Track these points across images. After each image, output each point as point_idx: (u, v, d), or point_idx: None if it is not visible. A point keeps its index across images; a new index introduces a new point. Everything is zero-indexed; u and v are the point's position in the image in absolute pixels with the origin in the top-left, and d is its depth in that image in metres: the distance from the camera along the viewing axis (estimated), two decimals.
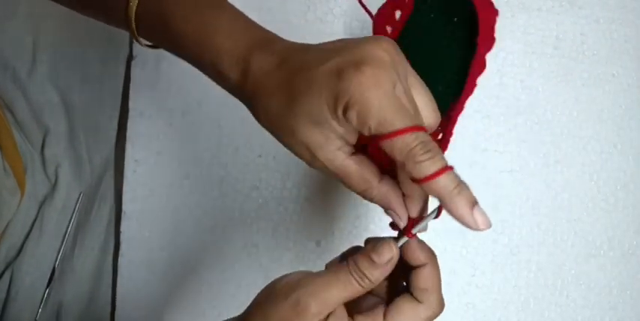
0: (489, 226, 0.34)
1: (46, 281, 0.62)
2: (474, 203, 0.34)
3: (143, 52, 0.66)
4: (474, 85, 0.57)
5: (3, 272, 0.61)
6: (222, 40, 0.38)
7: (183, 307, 0.64)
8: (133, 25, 0.42)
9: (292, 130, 0.35)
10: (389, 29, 0.52)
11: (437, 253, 0.56)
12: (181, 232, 0.64)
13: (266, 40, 0.38)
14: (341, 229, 0.63)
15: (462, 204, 0.33)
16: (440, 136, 0.50)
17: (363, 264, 0.36)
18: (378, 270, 0.35)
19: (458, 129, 0.61)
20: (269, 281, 0.62)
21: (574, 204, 0.62)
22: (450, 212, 0.33)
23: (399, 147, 0.33)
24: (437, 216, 0.36)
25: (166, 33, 0.40)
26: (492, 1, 0.57)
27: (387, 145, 0.33)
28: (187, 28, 0.39)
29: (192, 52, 0.39)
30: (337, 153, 0.36)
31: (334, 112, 0.34)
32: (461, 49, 0.57)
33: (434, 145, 0.33)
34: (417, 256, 0.36)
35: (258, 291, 0.65)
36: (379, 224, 0.62)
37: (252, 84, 0.37)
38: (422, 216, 0.38)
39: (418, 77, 0.37)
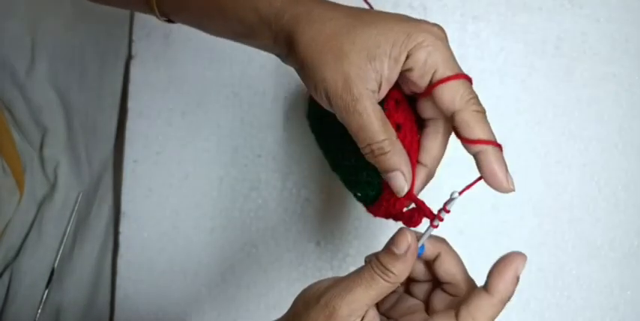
0: (514, 189, 0.36)
1: (46, 282, 0.62)
2: (506, 166, 0.36)
3: (142, 51, 0.66)
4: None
5: (2, 273, 0.61)
6: None
7: (183, 308, 0.64)
8: None
9: (340, 56, 0.35)
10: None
11: None
12: (180, 233, 0.64)
13: None
14: (341, 230, 0.63)
15: (500, 163, 0.36)
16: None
17: (384, 258, 0.35)
18: (400, 261, 0.35)
19: None
20: (269, 282, 0.62)
21: (575, 204, 0.61)
22: (489, 167, 0.35)
23: (461, 91, 0.35)
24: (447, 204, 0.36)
25: None
26: None
27: (449, 87, 0.35)
28: None
29: None
30: (370, 95, 0.35)
31: (398, 48, 0.35)
32: None
33: None
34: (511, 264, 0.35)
35: (257, 291, 0.65)
36: (379, 224, 0.62)
37: (308, 4, 0.37)
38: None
39: None
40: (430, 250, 0.37)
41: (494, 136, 0.36)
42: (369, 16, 0.36)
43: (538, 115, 0.62)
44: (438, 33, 0.36)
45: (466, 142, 0.36)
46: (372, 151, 0.36)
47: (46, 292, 0.62)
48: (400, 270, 0.35)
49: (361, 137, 0.36)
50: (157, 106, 0.65)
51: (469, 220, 0.61)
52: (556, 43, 0.62)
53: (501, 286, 0.34)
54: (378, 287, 0.35)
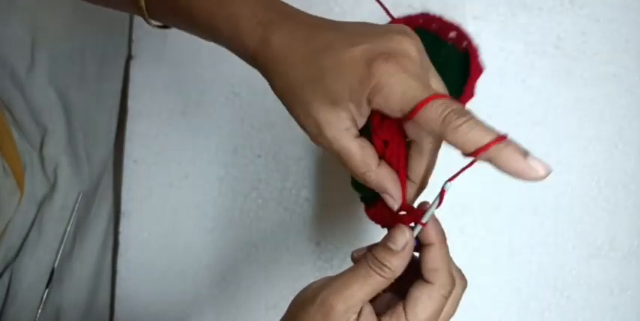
0: (549, 169, 0.31)
1: (46, 282, 0.62)
2: (524, 153, 0.32)
3: (142, 51, 0.66)
4: (474, 88, 0.59)
5: (2, 273, 0.61)
6: (239, 7, 0.38)
7: (183, 308, 0.64)
8: (142, 2, 0.41)
9: (306, 104, 0.36)
10: None
11: None
12: (180, 233, 0.64)
13: (287, 11, 0.38)
14: (341, 230, 0.63)
15: (513, 155, 0.31)
16: None
17: (380, 254, 0.36)
18: (396, 257, 0.36)
19: None
20: (269, 282, 0.62)
21: (575, 204, 0.61)
22: (505, 168, 0.32)
23: (432, 116, 0.33)
24: (439, 204, 0.37)
25: (178, 6, 0.40)
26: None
27: (421, 119, 0.33)
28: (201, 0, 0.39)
29: (206, 23, 0.39)
30: (344, 133, 0.36)
31: (357, 94, 0.34)
32: (458, 63, 0.59)
33: (466, 109, 0.33)
34: (427, 235, 0.37)
35: (257, 291, 0.65)
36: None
37: (273, 52, 0.37)
38: (425, 206, 0.38)
39: (437, 74, 0.38)
40: (429, 238, 0.37)
41: (491, 133, 0.32)
42: (328, 58, 0.35)
43: (538, 115, 0.62)
44: (394, 66, 0.34)
45: (469, 156, 0.34)
46: (360, 178, 0.38)
47: (46, 292, 0.62)
48: (396, 265, 0.36)
49: (347, 169, 0.37)
50: (157, 106, 0.65)
51: (469, 220, 0.61)
52: (556, 43, 0.62)
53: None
54: (374, 283, 0.36)
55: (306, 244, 0.63)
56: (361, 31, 0.36)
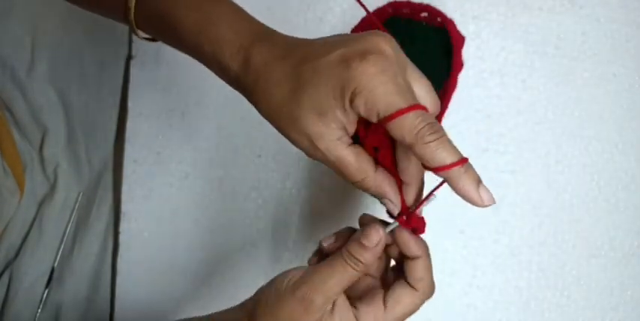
0: (494, 201, 0.36)
1: (45, 282, 0.62)
2: (478, 181, 0.36)
3: (142, 51, 0.66)
4: (461, 58, 0.61)
5: (2, 273, 0.61)
6: (223, 31, 0.39)
7: (183, 308, 0.64)
8: (132, 17, 0.42)
9: (295, 120, 0.37)
10: None
11: (437, 253, 0.56)
12: (180, 233, 0.64)
13: (267, 32, 0.39)
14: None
15: (468, 182, 0.35)
16: None
17: (355, 249, 0.38)
18: (369, 252, 0.38)
19: (458, 129, 0.61)
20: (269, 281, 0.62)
21: (575, 204, 0.61)
22: (460, 191, 0.35)
23: (407, 126, 0.34)
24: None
25: (166, 24, 0.41)
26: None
27: (395, 126, 0.34)
28: (188, 19, 0.40)
29: (192, 44, 0.40)
30: (337, 143, 0.37)
31: (341, 100, 0.35)
32: (438, 40, 0.61)
33: (439, 125, 0.35)
34: (412, 250, 0.39)
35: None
36: None
37: (254, 74, 0.38)
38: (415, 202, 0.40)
39: (416, 68, 0.39)
40: (414, 252, 0.39)
41: (456, 154, 0.35)
42: (307, 70, 0.36)
43: (538, 115, 0.62)
44: (372, 68, 0.35)
45: (431, 171, 0.36)
46: (357, 187, 0.39)
47: (46, 291, 0.62)
48: (368, 259, 0.38)
49: (345, 178, 0.38)
50: (157, 106, 0.65)
51: (469, 220, 0.61)
52: (556, 43, 0.62)
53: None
54: (349, 276, 0.38)
55: (306, 244, 0.63)
56: (335, 39, 0.37)
